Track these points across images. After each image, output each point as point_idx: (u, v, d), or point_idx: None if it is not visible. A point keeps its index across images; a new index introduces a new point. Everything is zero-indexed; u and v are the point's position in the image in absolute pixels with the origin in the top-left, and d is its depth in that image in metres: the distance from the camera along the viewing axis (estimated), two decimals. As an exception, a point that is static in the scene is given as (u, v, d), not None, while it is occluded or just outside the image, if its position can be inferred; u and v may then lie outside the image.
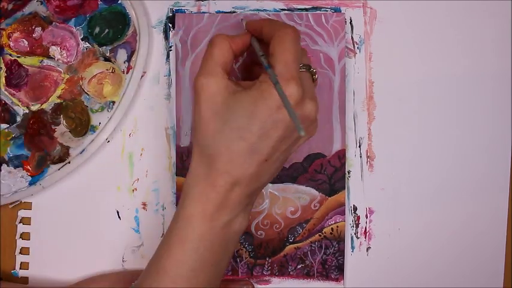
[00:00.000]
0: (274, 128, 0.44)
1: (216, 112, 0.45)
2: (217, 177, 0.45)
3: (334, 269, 0.57)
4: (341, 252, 0.57)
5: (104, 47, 0.57)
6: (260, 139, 0.44)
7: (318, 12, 0.57)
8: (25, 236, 0.58)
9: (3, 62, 0.57)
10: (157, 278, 0.46)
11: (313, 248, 0.57)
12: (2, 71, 0.57)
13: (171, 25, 0.57)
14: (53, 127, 0.57)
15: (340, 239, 0.57)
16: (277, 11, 0.57)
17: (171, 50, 0.57)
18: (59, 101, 0.57)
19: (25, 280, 0.58)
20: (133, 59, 0.57)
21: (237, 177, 0.45)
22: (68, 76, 0.57)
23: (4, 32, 0.57)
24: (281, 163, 0.48)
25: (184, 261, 0.46)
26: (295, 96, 0.44)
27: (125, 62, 0.57)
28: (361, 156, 0.57)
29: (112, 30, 0.57)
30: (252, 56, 0.52)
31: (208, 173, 0.45)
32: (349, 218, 0.57)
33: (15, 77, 0.57)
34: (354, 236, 0.57)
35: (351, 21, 0.57)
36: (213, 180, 0.45)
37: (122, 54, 0.57)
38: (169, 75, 0.58)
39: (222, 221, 0.46)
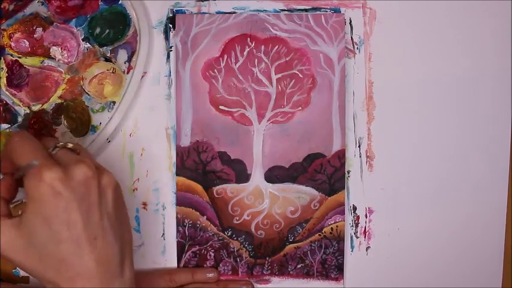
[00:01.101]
0: (69, 213, 0.44)
1: (25, 247, 0.45)
2: (73, 285, 0.44)
3: (334, 268, 0.57)
4: (341, 252, 0.57)
5: (105, 47, 0.57)
6: (70, 230, 0.44)
7: (318, 12, 0.57)
8: (26, 235, 0.58)
9: (5, 62, 0.57)
10: None
11: (313, 248, 0.57)
12: (3, 71, 0.57)
13: (171, 25, 0.58)
14: (54, 127, 0.57)
15: (339, 239, 0.57)
16: (277, 12, 0.57)
17: (171, 51, 0.58)
18: (59, 101, 0.57)
19: (26, 279, 0.58)
20: (133, 59, 0.57)
21: (86, 274, 0.44)
22: (69, 76, 0.57)
23: (5, 33, 0.57)
24: (116, 228, 0.47)
25: None
26: (54, 176, 0.43)
27: (125, 63, 0.57)
28: (360, 156, 0.57)
29: (113, 30, 0.57)
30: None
31: None
32: (349, 217, 0.57)
33: (16, 77, 0.57)
34: (354, 235, 0.57)
35: (350, 21, 0.57)
36: None
37: (122, 55, 0.57)
38: (170, 75, 0.58)
39: None
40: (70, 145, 0.48)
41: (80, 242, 0.44)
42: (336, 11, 0.57)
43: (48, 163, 0.44)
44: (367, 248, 0.57)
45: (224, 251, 0.57)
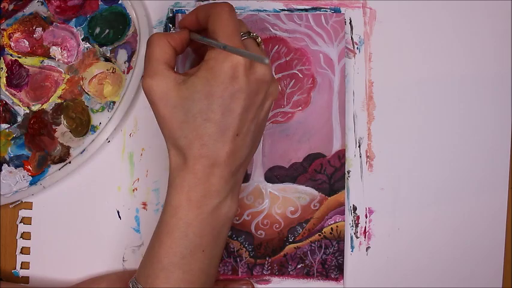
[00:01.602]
0: (233, 100, 0.45)
1: (174, 106, 0.46)
2: (195, 164, 0.46)
3: (334, 268, 0.57)
4: (341, 252, 0.57)
5: (105, 47, 0.57)
6: (224, 115, 0.45)
7: (318, 12, 0.57)
8: (26, 235, 0.58)
9: (4, 62, 0.57)
10: (152, 267, 0.47)
11: (313, 248, 0.57)
12: (2, 71, 0.57)
13: (171, 25, 0.57)
14: (54, 127, 0.57)
15: (339, 239, 0.57)
16: (277, 11, 0.57)
17: (171, 50, 0.57)
18: (59, 101, 0.57)
19: (26, 280, 0.58)
20: (133, 59, 0.57)
21: (213, 158, 0.45)
22: (69, 76, 0.57)
23: (5, 33, 0.57)
24: (255, 135, 0.48)
25: (175, 249, 0.46)
26: (243, 63, 0.44)
27: (125, 62, 0.57)
28: (360, 156, 0.57)
29: (112, 30, 0.57)
30: (197, 52, 0.53)
31: (185, 162, 0.46)
32: (349, 217, 0.57)
33: (16, 77, 0.57)
34: (354, 235, 0.57)
35: (350, 21, 0.57)
36: (191, 168, 0.46)
37: (122, 55, 0.57)
38: (170, 75, 0.58)
39: (210, 206, 0.46)
40: (259, 40, 0.48)
41: (225, 131, 0.45)
42: (336, 11, 0.57)
43: (243, 47, 0.45)
44: (367, 248, 0.57)
45: (224, 251, 0.57)
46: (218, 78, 0.44)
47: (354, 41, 0.57)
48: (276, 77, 0.57)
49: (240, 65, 0.44)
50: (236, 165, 0.47)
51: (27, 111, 0.57)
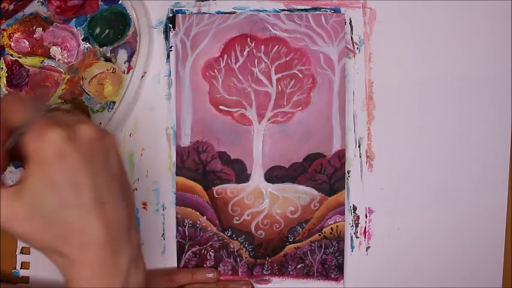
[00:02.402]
0: (76, 175, 0.41)
1: (28, 219, 0.41)
2: (82, 254, 0.41)
3: (334, 268, 0.57)
4: (341, 252, 0.57)
5: (105, 47, 0.57)
6: (77, 194, 0.41)
7: (318, 12, 0.57)
8: (26, 235, 0.58)
9: (4, 62, 0.57)
10: None
11: (313, 248, 0.57)
12: (3, 71, 0.57)
13: (171, 25, 0.58)
14: (54, 127, 0.57)
15: (339, 239, 0.57)
16: (277, 12, 0.57)
17: (171, 51, 0.58)
18: (59, 101, 0.57)
19: (26, 280, 0.58)
20: (133, 59, 0.57)
21: (98, 238, 0.41)
22: (69, 76, 0.57)
23: (5, 33, 0.57)
24: (121, 190, 0.43)
25: None
26: (60, 134, 0.40)
27: (125, 62, 0.57)
28: (360, 156, 0.57)
29: (112, 30, 0.57)
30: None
31: (73, 259, 0.42)
32: (349, 217, 0.57)
33: (16, 77, 0.57)
34: (354, 235, 0.57)
35: (350, 21, 0.57)
36: (80, 261, 0.42)
37: (122, 55, 0.57)
38: (170, 75, 0.58)
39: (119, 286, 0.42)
40: (64, 106, 0.45)
41: (89, 207, 0.41)
42: (336, 11, 0.57)
43: (50, 122, 0.41)
44: (367, 248, 0.57)
45: (224, 251, 0.57)
46: (47, 164, 0.40)
47: (354, 41, 0.57)
48: (276, 77, 0.57)
49: (60, 139, 0.40)
50: (122, 231, 0.43)
51: (28, 111, 0.57)
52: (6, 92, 0.57)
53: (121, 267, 0.42)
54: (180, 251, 0.58)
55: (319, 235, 0.57)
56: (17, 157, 0.43)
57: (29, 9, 0.57)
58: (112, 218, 0.42)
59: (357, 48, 0.57)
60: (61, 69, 0.57)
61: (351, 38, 0.57)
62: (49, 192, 0.40)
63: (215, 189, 0.57)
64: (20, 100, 0.43)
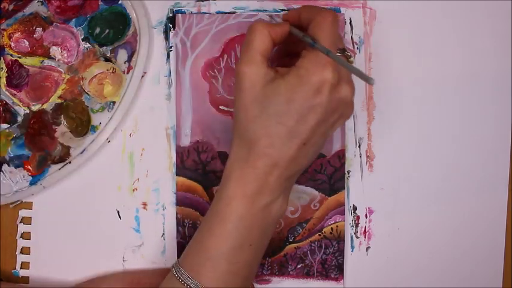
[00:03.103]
0: (311, 112, 0.45)
1: (255, 99, 0.46)
2: (257, 160, 0.46)
3: (334, 268, 0.57)
4: (341, 252, 0.57)
5: (105, 47, 0.57)
6: (298, 123, 0.45)
7: (318, 12, 0.57)
8: (26, 235, 0.58)
9: (4, 62, 0.57)
10: (198, 256, 0.48)
11: (313, 248, 0.57)
12: (3, 71, 0.57)
13: (171, 25, 0.58)
14: (54, 127, 0.57)
15: (339, 239, 0.57)
16: (277, 12, 0.57)
17: (171, 51, 0.58)
18: (59, 101, 0.57)
19: (26, 280, 0.58)
20: (133, 59, 0.57)
21: (276, 160, 0.46)
22: (69, 76, 0.57)
23: (5, 33, 0.57)
24: (318, 147, 0.48)
25: (224, 240, 0.47)
26: (331, 80, 0.45)
27: (125, 62, 0.57)
28: (360, 156, 0.57)
29: (112, 30, 0.57)
30: (287, 45, 0.52)
31: (248, 156, 0.47)
32: (349, 217, 0.57)
33: (16, 77, 0.57)
34: (354, 235, 0.57)
35: (350, 21, 0.57)
36: (252, 163, 0.47)
37: (122, 55, 0.57)
38: (170, 75, 0.58)
39: (262, 203, 0.47)
40: (352, 59, 0.49)
41: (294, 137, 0.46)
42: (336, 10, 0.57)
43: (335, 64, 0.45)
44: (367, 248, 0.57)
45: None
46: (304, 88, 0.45)
47: (354, 41, 0.57)
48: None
49: (328, 81, 0.45)
50: (295, 170, 0.48)
51: (27, 111, 0.57)
52: (6, 92, 0.57)
53: (276, 191, 0.48)
54: (180, 251, 0.57)
55: (319, 235, 0.57)
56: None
57: (29, 9, 0.57)
58: (299, 157, 0.47)
59: (357, 48, 0.57)
60: (61, 69, 0.57)
61: (351, 37, 0.57)
62: (282, 102, 0.45)
63: (215, 189, 0.57)
64: (337, 29, 0.47)
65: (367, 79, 0.42)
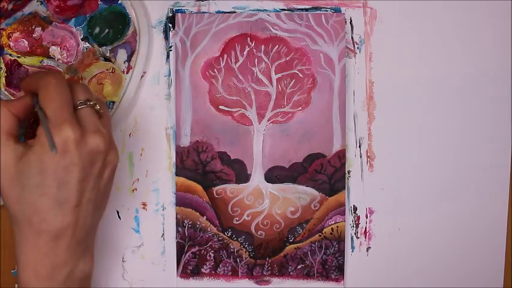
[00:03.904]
0: (67, 173, 0.45)
1: (11, 179, 0.45)
2: (37, 239, 0.45)
3: (334, 269, 0.57)
4: (341, 253, 0.57)
5: (104, 47, 0.57)
6: (60, 189, 0.45)
7: (318, 12, 0.57)
8: (25, 236, 0.58)
9: (3, 62, 0.57)
10: None
11: (313, 248, 0.57)
12: (2, 71, 0.57)
13: (171, 25, 0.57)
14: (53, 127, 0.57)
15: (340, 239, 0.57)
16: (277, 11, 0.57)
17: (171, 50, 0.57)
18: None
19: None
20: (133, 59, 0.57)
21: (55, 232, 0.45)
22: (68, 76, 0.57)
23: (4, 32, 0.57)
24: (98, 203, 0.48)
25: None
26: (72, 136, 0.44)
27: (125, 62, 0.57)
28: (361, 156, 0.57)
29: (112, 30, 0.57)
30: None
31: (28, 238, 0.45)
32: (349, 218, 0.57)
33: (15, 77, 0.57)
34: (354, 236, 0.57)
35: (351, 21, 0.57)
36: (34, 244, 0.45)
37: (122, 54, 0.57)
38: (169, 75, 0.58)
39: (61, 277, 0.46)
40: (97, 107, 0.48)
41: (63, 204, 0.45)
42: (337, 10, 0.57)
43: (72, 120, 0.45)
44: (368, 248, 0.57)
45: (224, 251, 0.57)
46: (49, 153, 0.44)
47: (355, 40, 0.57)
48: (276, 76, 0.57)
49: (70, 139, 0.44)
50: (83, 232, 0.47)
51: (27, 111, 0.57)
52: (6, 92, 0.57)
53: (70, 260, 0.46)
54: (180, 252, 0.57)
55: (320, 235, 0.57)
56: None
57: (28, 9, 0.57)
58: (78, 221, 0.46)
59: (358, 48, 0.57)
60: (60, 69, 0.57)
61: (352, 37, 0.57)
62: (37, 173, 0.44)
63: (215, 189, 0.57)
64: (62, 88, 0.46)
65: (51, 147, 0.43)
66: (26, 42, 0.57)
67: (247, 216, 0.57)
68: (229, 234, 0.57)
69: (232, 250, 0.57)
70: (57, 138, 0.44)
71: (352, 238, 0.57)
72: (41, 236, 0.45)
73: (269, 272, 0.57)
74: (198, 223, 0.57)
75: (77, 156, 0.44)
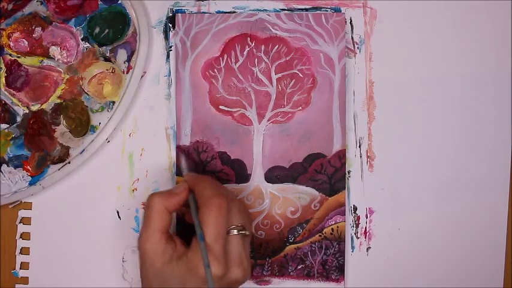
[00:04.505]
0: None
1: (155, 274, 0.48)
2: None
3: (335, 269, 0.57)
4: (341, 253, 0.57)
5: (104, 47, 0.57)
6: None
7: (318, 12, 0.57)
8: (25, 236, 0.58)
9: (3, 62, 0.57)
10: None
11: (313, 248, 0.57)
12: (2, 71, 0.57)
13: (171, 25, 0.57)
14: (53, 127, 0.57)
15: (340, 239, 0.57)
16: (277, 11, 0.57)
17: (171, 50, 0.57)
18: (59, 101, 0.57)
19: (25, 280, 0.58)
20: (133, 59, 0.57)
21: None
22: (68, 76, 0.57)
23: (4, 32, 0.57)
24: None
25: None
26: (217, 274, 0.46)
27: (124, 62, 0.57)
28: (361, 156, 0.57)
29: (112, 30, 0.57)
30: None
31: None
32: (349, 218, 0.57)
33: (15, 77, 0.57)
34: (354, 236, 0.57)
35: (351, 21, 0.57)
36: None
37: (122, 54, 0.57)
38: (169, 75, 0.58)
39: None
40: (247, 233, 0.50)
41: None
42: (337, 10, 0.57)
43: (220, 258, 0.47)
44: (368, 248, 0.57)
45: (224, 251, 0.57)
46: (193, 279, 0.47)
47: (355, 40, 0.57)
48: (276, 76, 0.57)
49: (214, 276, 0.46)
50: None
51: (27, 111, 0.57)
52: (6, 92, 0.57)
53: None
54: (180, 252, 0.57)
55: (320, 236, 0.57)
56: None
57: (28, 9, 0.57)
58: None
59: (358, 47, 0.57)
60: (60, 69, 0.57)
61: (352, 37, 0.57)
62: (177, 283, 0.48)
63: (215, 189, 0.57)
64: (225, 212, 0.48)
65: (208, 282, 0.46)
66: (26, 42, 0.57)
67: (247, 216, 0.57)
68: (229, 234, 0.57)
69: (232, 250, 0.57)
70: (197, 268, 0.46)
71: (352, 238, 0.57)
72: None
73: (269, 272, 0.57)
74: (198, 223, 0.57)
75: (217, 286, 0.47)
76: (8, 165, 0.57)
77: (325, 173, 0.57)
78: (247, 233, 0.49)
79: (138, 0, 0.57)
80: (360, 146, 0.57)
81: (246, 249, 0.50)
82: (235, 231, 0.49)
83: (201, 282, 0.47)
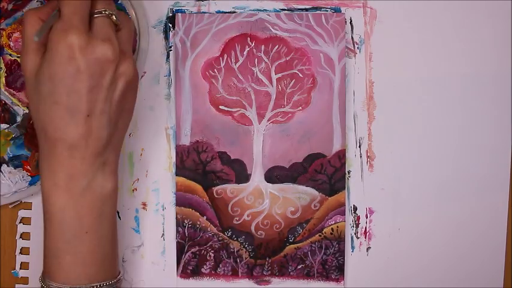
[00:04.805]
0: (75, 81, 0.44)
1: (33, 87, 0.46)
2: (53, 148, 0.46)
3: (335, 269, 0.57)
4: (341, 253, 0.57)
5: (104, 47, 0.57)
6: (70, 97, 0.44)
7: (318, 12, 0.57)
8: (25, 236, 0.58)
9: (3, 62, 0.57)
10: (46, 256, 0.49)
11: (313, 248, 0.57)
12: (2, 71, 0.57)
13: (171, 25, 0.57)
14: (53, 127, 0.57)
15: (340, 239, 0.57)
16: (278, 11, 0.57)
17: (171, 50, 0.57)
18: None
19: (25, 280, 0.58)
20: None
21: (69, 141, 0.45)
22: (68, 76, 0.57)
23: (4, 32, 0.57)
24: (114, 115, 0.47)
25: (57, 235, 0.47)
26: (77, 43, 0.43)
27: (125, 62, 0.57)
28: (361, 156, 0.57)
29: (112, 30, 0.57)
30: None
31: (46, 147, 0.46)
32: (349, 218, 0.57)
33: (15, 77, 0.57)
34: (354, 236, 0.57)
35: (351, 21, 0.57)
36: (51, 152, 0.46)
37: (122, 54, 0.57)
38: (169, 75, 0.58)
39: (78, 188, 0.46)
40: (114, 18, 0.46)
41: (74, 112, 0.44)
42: (337, 10, 0.57)
43: (80, 27, 0.44)
44: (368, 248, 0.57)
45: (224, 251, 0.57)
46: (56, 60, 0.44)
47: (355, 40, 0.57)
48: (276, 76, 0.57)
49: (74, 45, 0.43)
50: (98, 146, 0.46)
51: (27, 111, 0.57)
52: (6, 92, 0.57)
53: (87, 172, 0.46)
54: (180, 252, 0.57)
55: (320, 235, 0.57)
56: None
57: (28, 9, 0.57)
58: (92, 131, 0.45)
59: (358, 48, 0.57)
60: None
61: (352, 37, 0.57)
62: (48, 80, 0.44)
63: (215, 189, 0.57)
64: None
65: (37, 33, 0.43)
66: (26, 42, 0.57)
67: (247, 216, 0.57)
68: (229, 234, 0.57)
69: (232, 250, 0.57)
70: (62, 44, 0.43)
71: (352, 238, 0.57)
72: (56, 145, 0.45)
73: (269, 272, 0.57)
74: (198, 223, 0.57)
75: (83, 63, 0.43)
76: (8, 165, 0.57)
77: (325, 173, 0.57)
78: (114, 18, 0.46)
79: (138, 0, 0.57)
80: (359, 146, 0.57)
81: (124, 36, 0.47)
82: (98, 14, 0.45)
83: (64, 59, 0.43)
